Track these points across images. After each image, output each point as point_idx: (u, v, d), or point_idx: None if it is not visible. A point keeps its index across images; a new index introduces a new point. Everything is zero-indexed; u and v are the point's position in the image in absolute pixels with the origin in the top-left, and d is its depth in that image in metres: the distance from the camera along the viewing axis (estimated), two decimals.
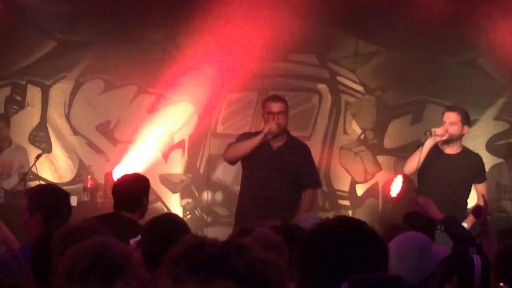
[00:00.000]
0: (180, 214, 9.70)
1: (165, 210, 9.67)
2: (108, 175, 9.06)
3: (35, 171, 9.13)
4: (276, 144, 6.96)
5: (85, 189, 9.07)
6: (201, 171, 9.91)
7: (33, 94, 9.96)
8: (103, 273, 2.82)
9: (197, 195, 9.86)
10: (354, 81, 9.95)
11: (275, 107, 6.92)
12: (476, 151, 7.58)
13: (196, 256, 2.23)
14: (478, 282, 4.43)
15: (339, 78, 9.96)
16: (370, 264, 2.48)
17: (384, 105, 9.90)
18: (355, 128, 9.94)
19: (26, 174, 8.71)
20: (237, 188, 7.57)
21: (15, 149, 9.51)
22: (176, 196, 9.86)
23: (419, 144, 7.24)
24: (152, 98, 9.93)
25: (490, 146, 9.58)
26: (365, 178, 9.89)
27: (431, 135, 7.02)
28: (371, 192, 9.77)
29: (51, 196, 4.63)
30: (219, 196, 9.64)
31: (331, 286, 2.42)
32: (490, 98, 9.72)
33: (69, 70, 9.93)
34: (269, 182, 6.85)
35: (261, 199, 6.83)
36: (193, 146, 9.89)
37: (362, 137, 9.93)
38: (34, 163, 8.71)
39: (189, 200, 9.84)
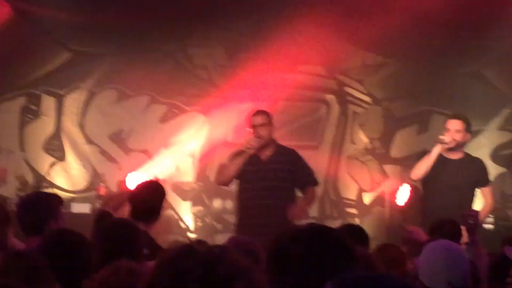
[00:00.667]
0: (191, 222, 9.88)
1: (176, 217, 9.84)
2: (121, 183, 9.19)
3: (49, 179, 9.18)
4: (265, 155, 7.11)
5: (98, 197, 9.18)
6: (212, 179, 10.03)
7: (48, 103, 10.03)
8: None
9: (207, 203, 9.97)
10: (361, 92, 10.05)
11: (256, 120, 7.09)
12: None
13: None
14: None
15: (347, 89, 10.08)
16: (337, 272, 2.38)
17: (391, 116, 10.00)
18: (362, 138, 10.04)
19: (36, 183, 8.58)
20: None
21: (6, 154, 9.54)
22: (187, 204, 9.98)
23: (425, 153, 7.22)
24: (164, 108, 10.05)
25: (495, 156, 9.65)
26: (372, 187, 9.98)
27: (441, 143, 7.01)
28: (378, 200, 9.82)
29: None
30: (229, 204, 9.67)
31: None
32: (494, 108, 9.81)
33: (83, 80, 10.02)
34: (262, 192, 6.99)
35: (256, 208, 6.97)
36: (204, 155, 10.02)
37: (369, 146, 10.02)
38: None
39: (200, 207, 9.95)
